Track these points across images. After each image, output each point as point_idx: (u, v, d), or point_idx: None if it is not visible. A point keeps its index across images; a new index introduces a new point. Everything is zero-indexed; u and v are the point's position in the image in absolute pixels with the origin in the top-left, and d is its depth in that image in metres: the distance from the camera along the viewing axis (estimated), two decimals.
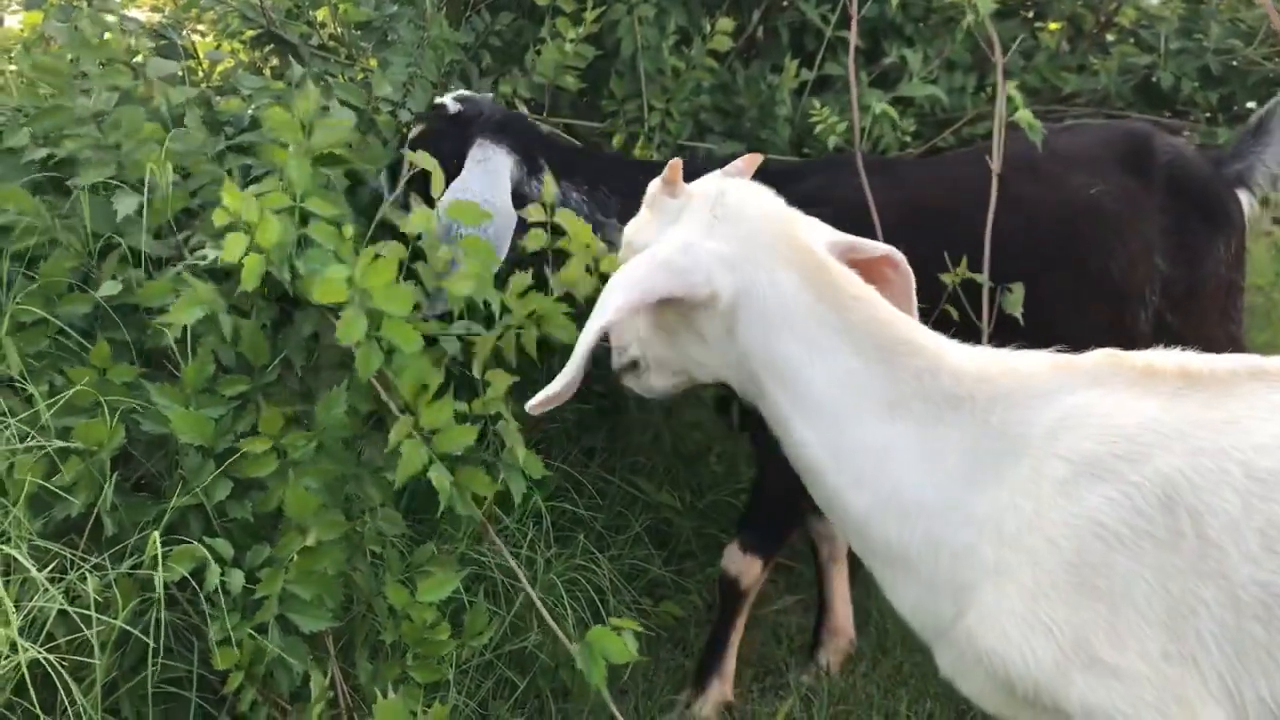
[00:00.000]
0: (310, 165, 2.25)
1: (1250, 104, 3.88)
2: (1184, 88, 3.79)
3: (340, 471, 2.22)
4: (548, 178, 2.62)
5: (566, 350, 1.97)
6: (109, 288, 2.23)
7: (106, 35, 2.87)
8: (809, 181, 2.86)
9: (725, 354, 1.88)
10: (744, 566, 2.92)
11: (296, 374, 2.31)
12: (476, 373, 2.30)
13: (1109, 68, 3.81)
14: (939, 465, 1.75)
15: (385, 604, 2.29)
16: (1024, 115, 2.66)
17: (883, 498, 1.78)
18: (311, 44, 3.39)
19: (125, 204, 2.29)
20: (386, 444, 2.18)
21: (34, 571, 1.97)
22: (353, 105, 2.88)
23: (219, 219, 2.10)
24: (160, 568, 2.05)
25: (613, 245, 2.90)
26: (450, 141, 2.87)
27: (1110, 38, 4.16)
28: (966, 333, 2.33)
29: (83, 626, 1.99)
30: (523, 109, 3.42)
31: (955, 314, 2.64)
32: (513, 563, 2.43)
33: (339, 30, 3.53)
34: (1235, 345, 3.01)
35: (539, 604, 2.41)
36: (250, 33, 3.52)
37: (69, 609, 1.98)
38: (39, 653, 1.93)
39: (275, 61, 3.65)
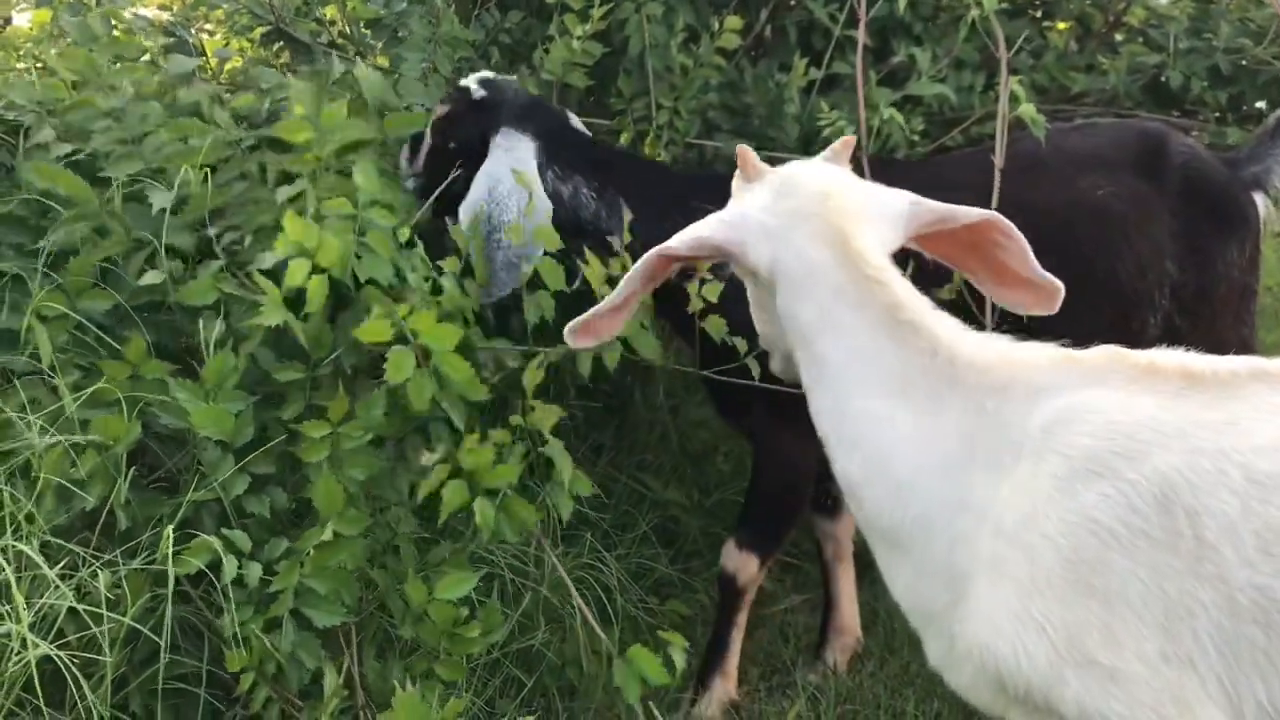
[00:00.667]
0: (376, 171, 2.29)
1: (1260, 104, 3.87)
2: (1193, 87, 3.77)
3: (380, 466, 2.24)
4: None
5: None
6: (151, 277, 2.24)
7: (117, 33, 2.88)
8: None
9: (777, 320, 1.93)
10: (741, 564, 2.92)
11: (346, 370, 2.32)
12: (528, 392, 2.34)
13: (1118, 67, 3.80)
14: (935, 448, 1.76)
15: (401, 601, 2.29)
16: (1027, 110, 2.66)
17: (880, 473, 1.80)
18: (321, 41, 3.39)
19: (159, 199, 2.30)
20: (415, 441, 2.22)
21: (45, 568, 1.97)
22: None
23: (280, 248, 2.15)
24: (170, 562, 2.05)
25: (605, 248, 2.93)
26: (474, 127, 2.91)
27: (1119, 37, 4.15)
28: None
29: (91, 624, 1.99)
30: None
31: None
32: (570, 584, 2.44)
33: (348, 27, 3.54)
34: (1246, 349, 2.98)
35: (590, 617, 2.41)
36: (260, 30, 3.52)
37: (78, 606, 1.99)
38: (50, 649, 1.94)
39: (285, 59, 3.65)
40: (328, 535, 2.14)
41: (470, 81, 2.99)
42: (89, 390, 2.13)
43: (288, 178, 2.48)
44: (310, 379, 2.28)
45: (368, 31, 3.59)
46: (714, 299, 2.57)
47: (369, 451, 2.23)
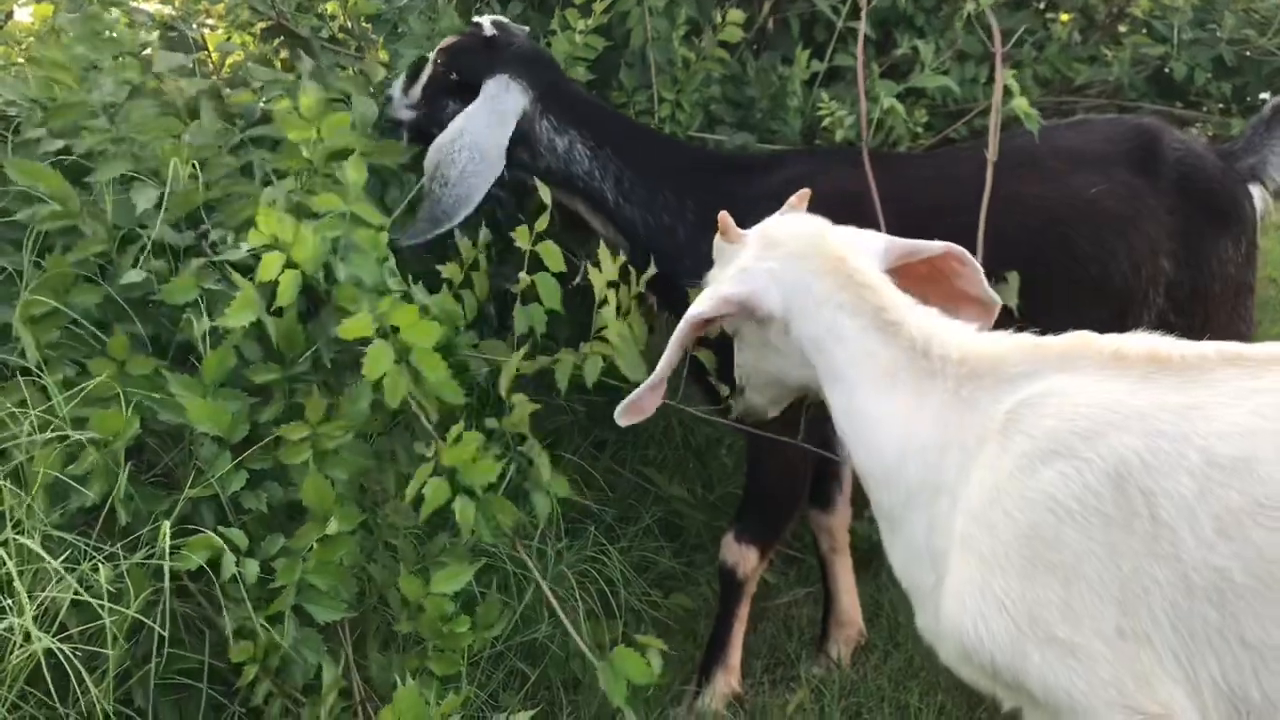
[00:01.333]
0: (364, 170, 2.29)
1: (1264, 95, 3.85)
2: (1197, 78, 3.76)
3: (364, 464, 2.24)
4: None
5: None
6: (133, 275, 2.24)
7: (117, 29, 2.87)
8: (788, 171, 2.87)
9: (792, 353, 2.06)
10: (740, 556, 2.92)
11: (325, 365, 2.32)
12: (503, 392, 2.33)
13: (1121, 58, 3.79)
14: (918, 435, 1.87)
15: (399, 595, 2.29)
16: (1020, 104, 2.66)
17: (877, 461, 1.93)
18: (322, 36, 3.39)
19: (144, 197, 2.30)
20: (404, 437, 2.21)
21: (48, 560, 1.97)
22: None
23: (254, 239, 2.15)
24: (168, 557, 2.05)
25: (598, 204, 2.93)
26: (476, 62, 2.95)
27: (1123, 28, 4.13)
28: None
29: (101, 613, 1.99)
30: None
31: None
32: (539, 576, 2.44)
33: (349, 23, 3.53)
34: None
35: (566, 621, 2.41)
36: (261, 25, 3.52)
37: (83, 597, 1.99)
38: (52, 642, 1.94)
39: (285, 54, 3.64)
40: (332, 529, 2.14)
41: (484, 19, 3.02)
42: (80, 387, 2.13)
43: (278, 176, 2.48)
44: (290, 378, 2.27)
45: (368, 26, 3.58)
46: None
47: (353, 449, 2.22)
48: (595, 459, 3.44)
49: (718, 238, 2.19)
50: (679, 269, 2.72)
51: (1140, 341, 1.80)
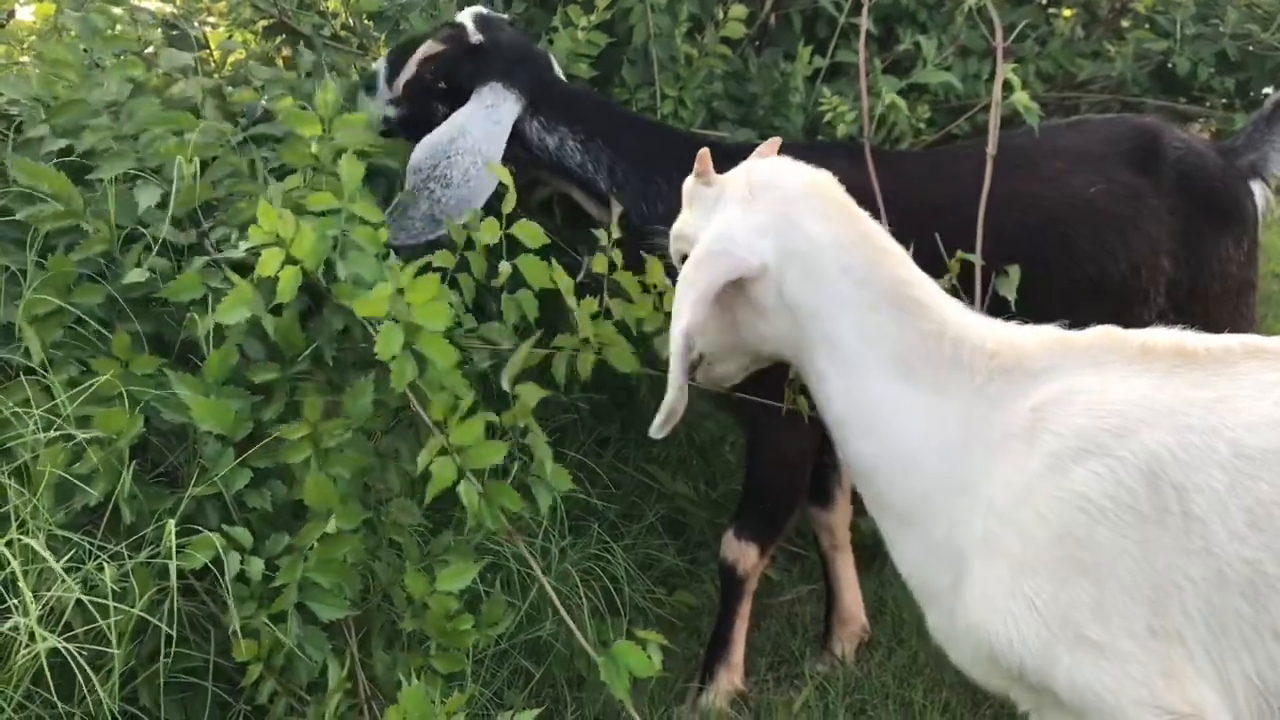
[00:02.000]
0: (360, 167, 2.28)
1: (1267, 89, 3.85)
2: (1200, 73, 3.76)
3: (365, 462, 2.24)
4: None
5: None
6: (135, 275, 2.24)
7: (118, 27, 2.87)
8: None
9: (780, 319, 1.90)
10: (740, 553, 2.92)
11: (327, 364, 2.32)
12: (506, 385, 2.31)
13: (1124, 54, 3.79)
14: (939, 430, 1.79)
15: (404, 593, 2.29)
16: (1020, 98, 2.66)
17: (889, 453, 1.83)
18: (324, 34, 3.39)
19: (146, 195, 2.30)
20: (408, 435, 2.20)
21: (51, 561, 1.97)
22: None
23: (254, 235, 2.13)
24: (174, 557, 2.05)
25: (594, 194, 2.93)
26: (463, 72, 2.93)
27: (1125, 23, 4.13)
28: None
29: (98, 616, 1.99)
30: None
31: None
32: (540, 572, 2.43)
33: (351, 20, 3.53)
34: None
35: (566, 615, 2.40)
36: (263, 23, 3.52)
37: (85, 599, 1.99)
38: (58, 641, 1.94)
39: (287, 52, 3.64)
40: (331, 528, 2.14)
41: (466, 19, 2.99)
42: (84, 386, 2.13)
43: (284, 174, 2.47)
44: (291, 376, 2.27)
45: (370, 24, 3.58)
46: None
47: (355, 447, 2.22)
48: (599, 456, 3.44)
49: (690, 181, 2.01)
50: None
51: (1166, 335, 1.77)
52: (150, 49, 3.03)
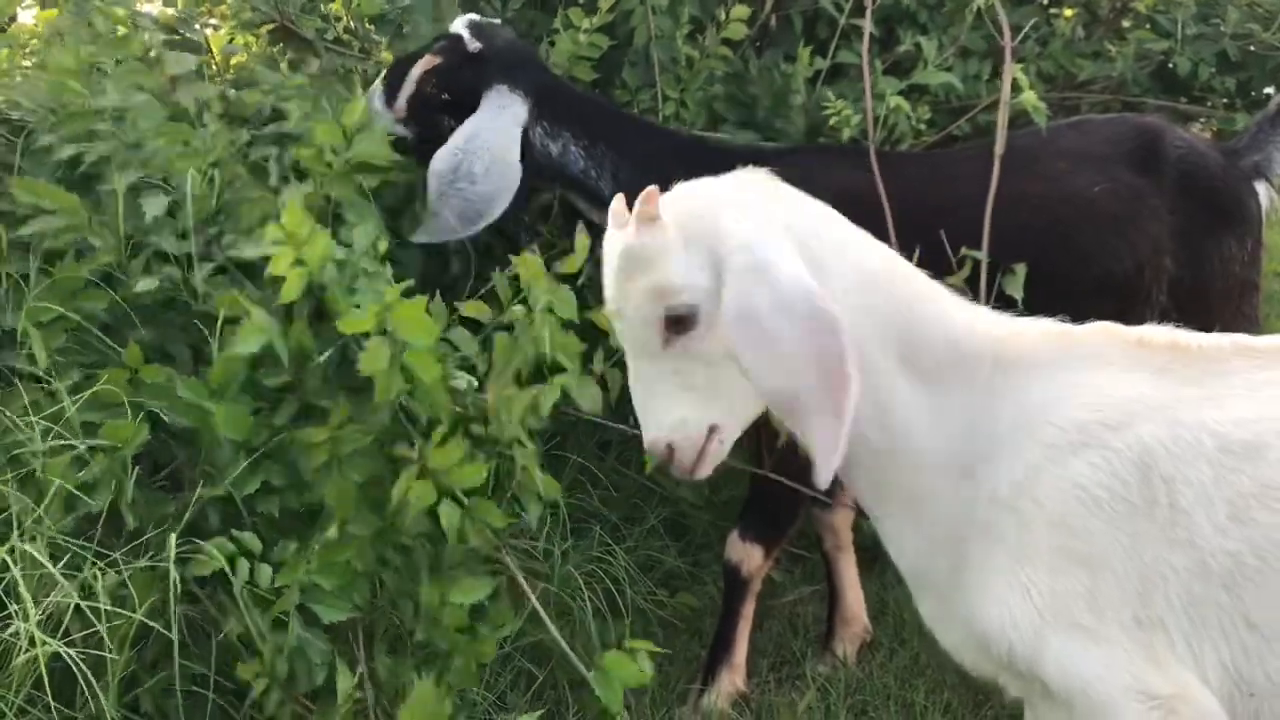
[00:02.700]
0: (350, 180, 2.28)
1: (1269, 89, 3.85)
2: (1201, 73, 3.75)
3: (380, 469, 2.24)
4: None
5: None
6: (145, 284, 2.25)
7: (121, 31, 2.87)
8: (790, 166, 2.87)
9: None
10: (744, 554, 2.92)
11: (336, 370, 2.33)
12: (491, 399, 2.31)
13: (1125, 54, 3.78)
14: (941, 421, 1.81)
15: (411, 603, 2.29)
16: (1029, 98, 2.66)
17: (901, 445, 1.82)
18: (326, 38, 3.39)
19: (154, 205, 2.30)
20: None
21: (49, 567, 1.98)
22: None
23: (270, 235, 2.14)
24: (173, 565, 2.06)
25: (595, 199, 2.92)
26: (466, 80, 2.93)
27: (1126, 23, 4.12)
28: None
29: (103, 619, 2.00)
30: None
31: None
32: (523, 582, 2.43)
33: (353, 24, 3.54)
34: None
35: (554, 630, 2.40)
36: (266, 26, 3.52)
37: (84, 604, 1.99)
38: (58, 646, 1.94)
39: (290, 55, 3.65)
40: (332, 534, 2.14)
41: (460, 28, 2.98)
42: (88, 393, 2.13)
43: (295, 175, 2.48)
44: (299, 382, 2.27)
45: (371, 27, 3.59)
46: None
47: (369, 453, 2.22)
48: (600, 459, 3.44)
49: (632, 220, 1.72)
50: None
51: (1161, 333, 1.82)
52: (153, 53, 3.04)
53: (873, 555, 3.35)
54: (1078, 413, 1.73)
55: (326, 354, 2.26)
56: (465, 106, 2.92)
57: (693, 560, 3.51)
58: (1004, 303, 2.62)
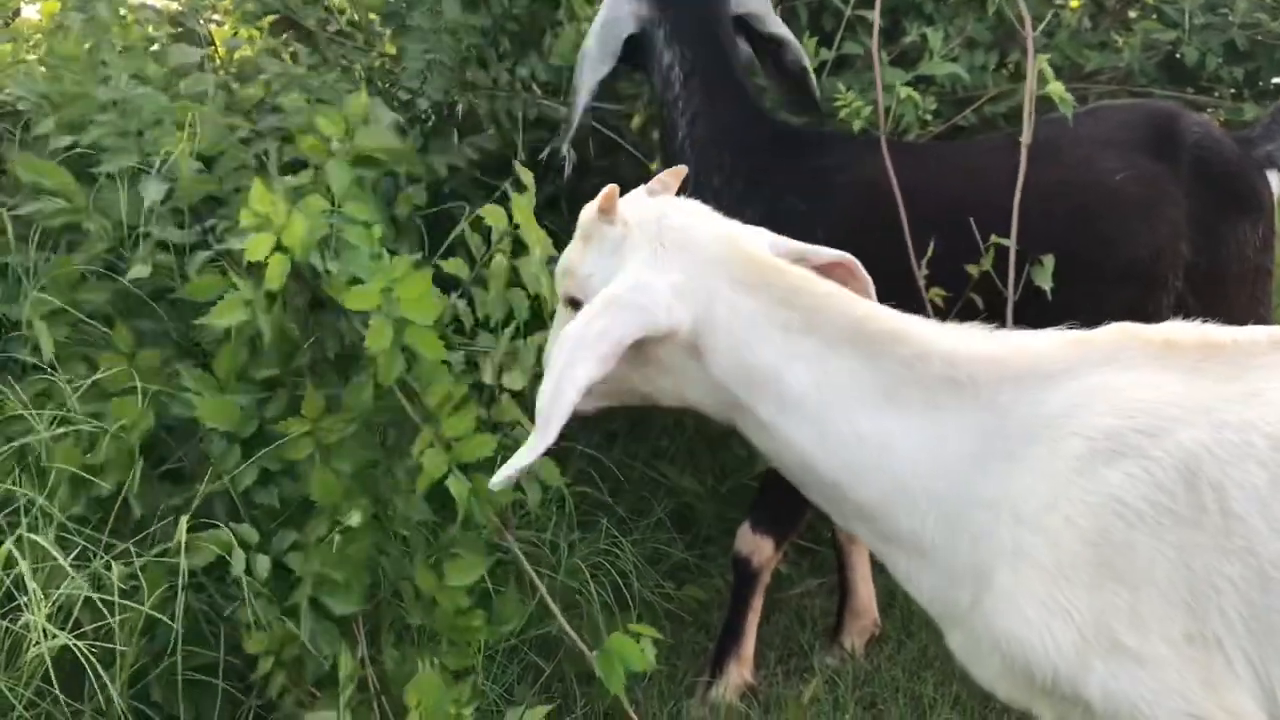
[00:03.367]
0: (350, 169, 2.27)
1: (1277, 79, 3.83)
2: (1209, 63, 3.73)
3: (370, 457, 2.23)
4: None
5: None
6: (138, 270, 2.24)
7: (124, 24, 2.87)
8: (835, 156, 2.87)
9: (692, 379, 1.80)
10: (755, 546, 2.92)
11: (329, 359, 2.32)
12: (487, 379, 2.30)
13: (1132, 44, 3.77)
14: (944, 451, 1.70)
15: (413, 589, 2.29)
16: (1055, 88, 2.65)
17: (889, 489, 1.73)
18: (329, 30, 3.38)
19: (151, 191, 2.30)
20: (413, 429, 2.19)
21: (60, 558, 1.97)
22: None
23: (245, 219, 2.10)
24: (183, 554, 2.06)
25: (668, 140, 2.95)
26: None
27: (1133, 14, 4.10)
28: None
29: (113, 611, 2.00)
30: (539, 91, 3.42)
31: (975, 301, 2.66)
32: (527, 566, 2.42)
33: (356, 16, 3.53)
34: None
35: (560, 618, 2.40)
36: (268, 19, 3.52)
37: (94, 596, 1.99)
38: (67, 638, 1.94)
39: (293, 47, 3.64)
40: (354, 521, 2.14)
41: None
42: (90, 380, 2.13)
43: (291, 170, 2.47)
44: (294, 372, 2.27)
45: (375, 18, 3.58)
46: None
47: (359, 441, 2.21)
48: (607, 451, 3.43)
49: (591, 213, 1.84)
50: None
51: (1189, 330, 1.72)
52: (156, 46, 3.03)
53: None
54: (1105, 420, 1.62)
55: (311, 340, 2.25)
56: None
57: (699, 553, 3.51)
58: (1032, 292, 2.66)
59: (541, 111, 3.42)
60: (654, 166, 3.24)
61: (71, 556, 2.03)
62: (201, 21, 3.55)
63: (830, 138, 3.15)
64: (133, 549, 2.13)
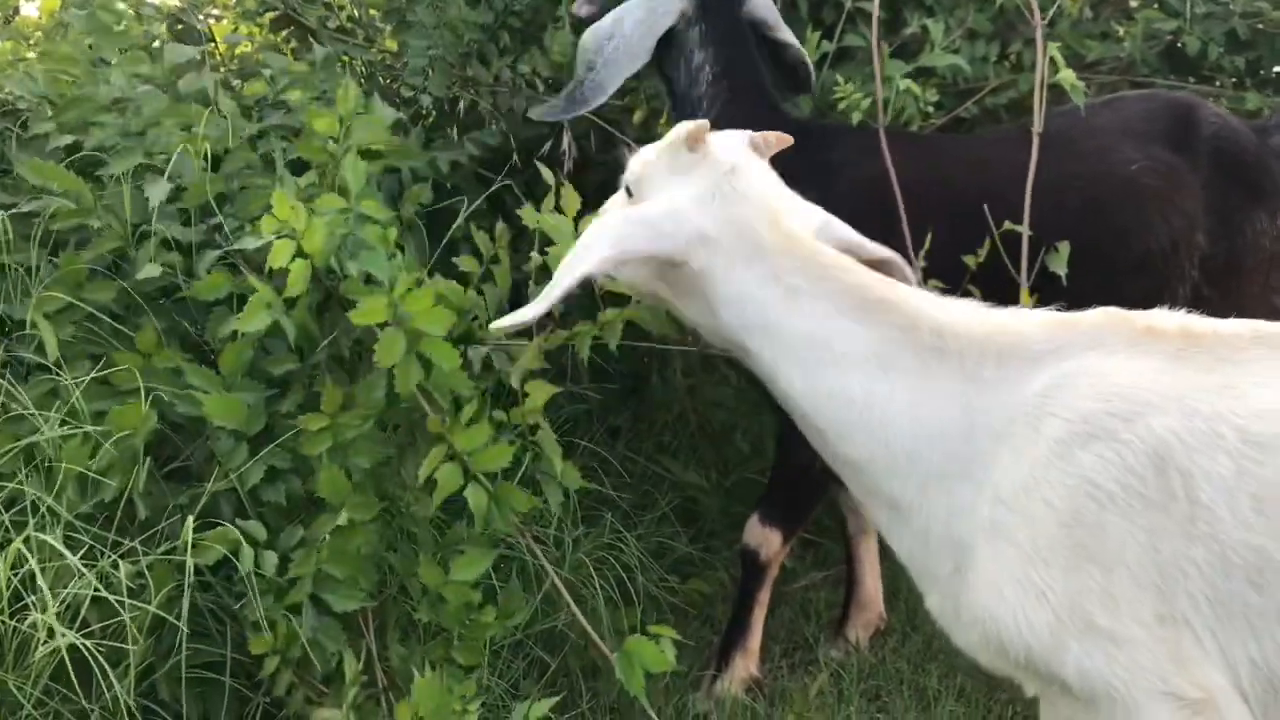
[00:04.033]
0: (363, 167, 2.27)
1: (1278, 68, 3.82)
2: (1210, 53, 3.72)
3: (383, 453, 2.24)
4: None
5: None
6: (149, 270, 2.24)
7: (124, 23, 2.87)
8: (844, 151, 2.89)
9: (698, 311, 1.92)
10: (764, 539, 2.92)
11: (343, 356, 2.32)
12: (514, 383, 2.31)
13: (1133, 34, 3.76)
14: (932, 418, 1.77)
15: (420, 584, 2.30)
16: (1066, 76, 2.65)
17: (874, 448, 1.81)
18: (329, 26, 3.38)
19: (157, 191, 2.30)
20: (424, 427, 2.20)
21: (69, 557, 1.98)
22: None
23: (267, 227, 2.14)
24: (190, 552, 2.06)
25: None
26: None
27: (1134, 3, 4.09)
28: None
29: (121, 610, 2.00)
30: (541, 88, 3.41)
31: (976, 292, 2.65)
32: (544, 560, 2.43)
33: (357, 12, 3.52)
34: (1276, 317, 2.98)
35: (579, 614, 2.41)
36: (269, 16, 3.51)
37: (103, 594, 2.00)
38: (76, 638, 1.95)
39: (294, 44, 3.64)
40: (343, 520, 2.15)
41: None
42: (94, 378, 2.14)
43: (298, 168, 2.47)
44: (309, 369, 2.27)
45: (375, 14, 3.58)
46: None
47: (373, 438, 2.22)
48: (611, 446, 3.44)
49: (681, 131, 1.95)
50: None
51: (1172, 318, 1.76)
52: (156, 43, 3.03)
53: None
54: (1083, 403, 1.67)
55: (327, 340, 2.26)
56: None
57: (704, 546, 3.51)
58: (1046, 279, 2.65)
59: None
60: None
61: (79, 555, 2.03)
62: (201, 18, 3.55)
63: (845, 132, 3.14)
64: (140, 547, 2.13)
